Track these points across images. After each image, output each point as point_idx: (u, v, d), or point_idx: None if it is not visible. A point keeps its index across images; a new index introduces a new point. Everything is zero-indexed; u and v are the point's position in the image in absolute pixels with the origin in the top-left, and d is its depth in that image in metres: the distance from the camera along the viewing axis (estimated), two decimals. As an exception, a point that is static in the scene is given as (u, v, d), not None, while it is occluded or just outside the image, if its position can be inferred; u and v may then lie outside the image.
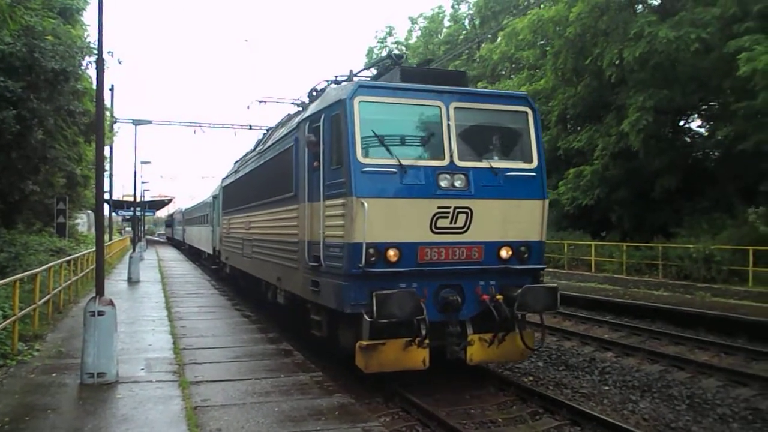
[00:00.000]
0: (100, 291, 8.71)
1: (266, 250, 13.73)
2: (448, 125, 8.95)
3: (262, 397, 7.87)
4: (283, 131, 13.01)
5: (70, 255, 19.37)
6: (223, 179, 23.29)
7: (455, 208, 8.76)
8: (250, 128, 37.83)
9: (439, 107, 9.03)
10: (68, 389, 8.11)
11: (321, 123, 9.35)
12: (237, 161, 21.32)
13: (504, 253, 9.15)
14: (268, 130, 18.04)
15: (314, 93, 12.35)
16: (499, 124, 9.83)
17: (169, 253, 52.33)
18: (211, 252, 28.01)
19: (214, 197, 26.33)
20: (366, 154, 8.58)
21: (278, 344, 11.49)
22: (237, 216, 18.46)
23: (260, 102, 19.69)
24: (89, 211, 41.92)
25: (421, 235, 8.64)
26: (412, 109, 9.16)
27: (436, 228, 8.69)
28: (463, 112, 9.24)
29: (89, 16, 26.06)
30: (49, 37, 18.26)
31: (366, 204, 8.24)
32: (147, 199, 64.50)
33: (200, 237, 34.67)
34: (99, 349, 8.25)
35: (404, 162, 8.62)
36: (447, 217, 8.72)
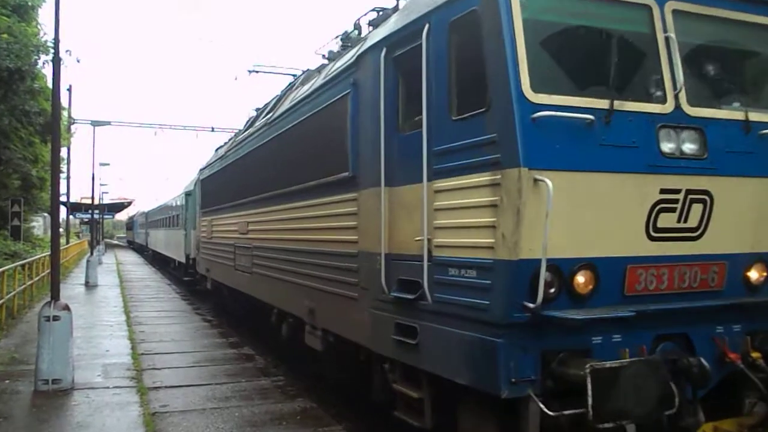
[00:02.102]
0: (55, 295, 8.51)
1: (283, 264, 9.20)
2: (668, 41, 5.01)
3: (222, 402, 7.78)
4: (318, 81, 8.30)
5: (25, 259, 18.92)
6: (201, 171, 18.54)
7: (687, 192, 4.93)
8: (212, 131, 37.50)
9: (650, 9, 5.03)
10: (22, 396, 7.90)
11: (425, 40, 5.41)
12: (221, 146, 17.02)
13: (755, 274, 5.40)
14: (252, 117, 13.65)
15: (356, 32, 8.25)
16: (753, 48, 5.80)
17: (129, 257, 51.37)
18: (182, 260, 23.06)
19: (188, 194, 22.23)
20: (539, 88, 4.57)
21: (239, 349, 11.39)
22: (224, 216, 13.96)
23: (251, 72, 15.86)
24: (45, 214, 40.95)
25: (631, 243, 4.87)
26: (605, 9, 5.07)
27: (657, 230, 4.90)
28: (692, 20, 5.26)
29: (45, 14, 25.53)
30: (4, 35, 17.84)
31: (549, 183, 4.37)
32: (106, 201, 63.25)
33: (168, 242, 29.99)
34: (54, 354, 8.06)
35: (602, 105, 4.69)
36: (673, 211, 4.92)
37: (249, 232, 11.58)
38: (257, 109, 13.65)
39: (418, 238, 5.38)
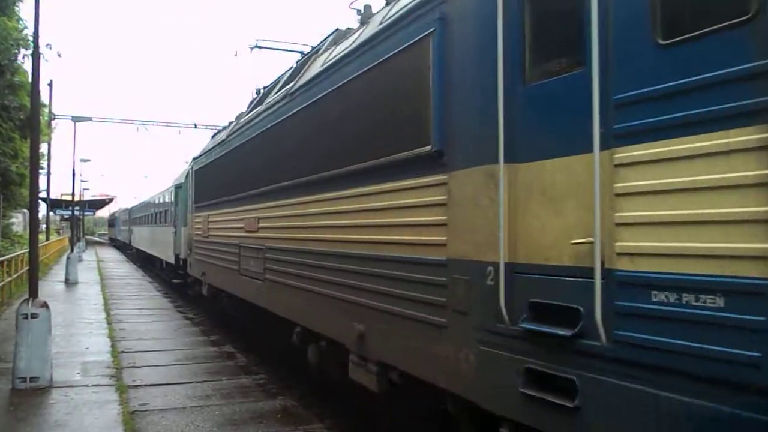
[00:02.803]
0: (33, 293, 8.41)
1: (315, 270, 7.15)
2: None
3: (203, 400, 7.74)
4: (368, 31, 6.38)
5: (3, 256, 18.69)
6: (195, 160, 15.95)
7: None
8: (195, 127, 37.24)
9: None
10: (-2, 395, 7.80)
11: None
12: (219, 131, 15.05)
13: None
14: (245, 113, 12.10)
15: None
16: None
17: (111, 255, 50.92)
18: (171, 261, 20.53)
19: (178, 188, 19.89)
20: None
21: (221, 347, 11.34)
22: (225, 211, 11.69)
23: (253, 48, 14.14)
24: (25, 210, 40.39)
25: None
26: None
27: None
28: None
29: (28, 9, 25.22)
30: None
31: None
32: (87, 198, 62.66)
33: (154, 240, 27.42)
34: (32, 352, 7.97)
35: None
36: None
37: (260, 230, 9.38)
38: (263, 88, 11.63)
39: (578, 241, 3.53)
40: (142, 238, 33.33)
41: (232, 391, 8.18)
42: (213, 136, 15.62)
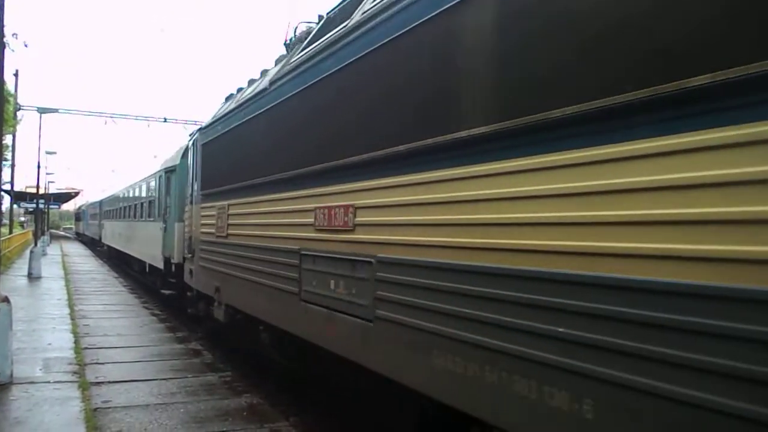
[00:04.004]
0: (-6, 287, 8.25)
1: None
2: None
3: (167, 398, 7.66)
4: None
5: (-37, 248, 18.26)
6: (202, 132, 11.49)
7: None
8: (165, 121, 36.79)
9: None
10: (-44, 391, 7.63)
11: None
12: (242, 89, 10.33)
13: None
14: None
15: None
16: None
17: (76, 249, 50.07)
18: (160, 265, 16.16)
19: (169, 171, 15.95)
20: None
21: (187, 344, 11.25)
22: (266, 198, 7.67)
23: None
24: (-13, 203, 39.58)
25: None
26: None
27: None
28: None
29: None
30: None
31: None
32: (52, 191, 61.49)
33: (132, 237, 23.09)
34: (-9, 348, 7.80)
35: None
36: None
37: (357, 228, 5.41)
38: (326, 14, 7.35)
39: None
40: (117, 234, 28.83)
41: (197, 389, 8.11)
42: (226, 100, 11.31)
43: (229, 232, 9.22)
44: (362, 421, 7.23)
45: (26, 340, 10.64)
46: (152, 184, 18.71)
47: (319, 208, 6.18)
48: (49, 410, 6.94)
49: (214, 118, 10.89)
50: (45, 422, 6.56)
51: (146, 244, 18.83)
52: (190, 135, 13.48)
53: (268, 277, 7.51)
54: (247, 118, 8.75)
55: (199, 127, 12.59)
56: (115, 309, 15.53)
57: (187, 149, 13.64)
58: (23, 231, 50.73)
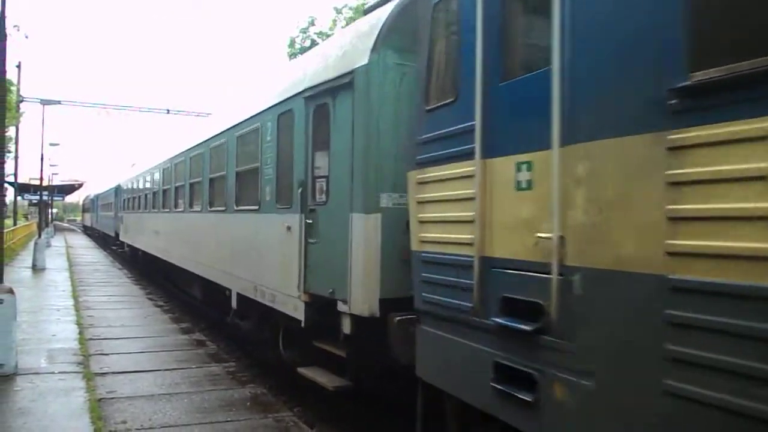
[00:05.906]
0: (-2, 278, 8.28)
1: None
2: None
3: (172, 388, 7.68)
4: None
5: (-32, 240, 18.28)
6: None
7: None
8: (168, 113, 36.78)
9: None
10: (-39, 382, 7.66)
11: None
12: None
13: None
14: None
15: None
16: None
17: (80, 241, 50.17)
18: (292, 311, 7.23)
19: (324, 98, 6.65)
20: None
21: (191, 334, 11.27)
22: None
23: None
24: (-9, 194, 39.66)
25: None
26: None
27: None
28: None
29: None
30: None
31: None
32: (56, 183, 61.58)
33: (200, 243, 11.94)
34: (-4, 339, 7.82)
35: None
36: None
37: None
38: None
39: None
40: (151, 233, 18.21)
41: (201, 379, 8.13)
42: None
43: None
44: (366, 412, 7.24)
45: (31, 331, 10.68)
46: (267, 131, 8.33)
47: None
48: (53, 401, 6.97)
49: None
50: (50, 412, 6.58)
51: (240, 258, 9.42)
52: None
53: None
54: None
55: None
56: (119, 300, 15.58)
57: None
58: (27, 223, 50.85)
